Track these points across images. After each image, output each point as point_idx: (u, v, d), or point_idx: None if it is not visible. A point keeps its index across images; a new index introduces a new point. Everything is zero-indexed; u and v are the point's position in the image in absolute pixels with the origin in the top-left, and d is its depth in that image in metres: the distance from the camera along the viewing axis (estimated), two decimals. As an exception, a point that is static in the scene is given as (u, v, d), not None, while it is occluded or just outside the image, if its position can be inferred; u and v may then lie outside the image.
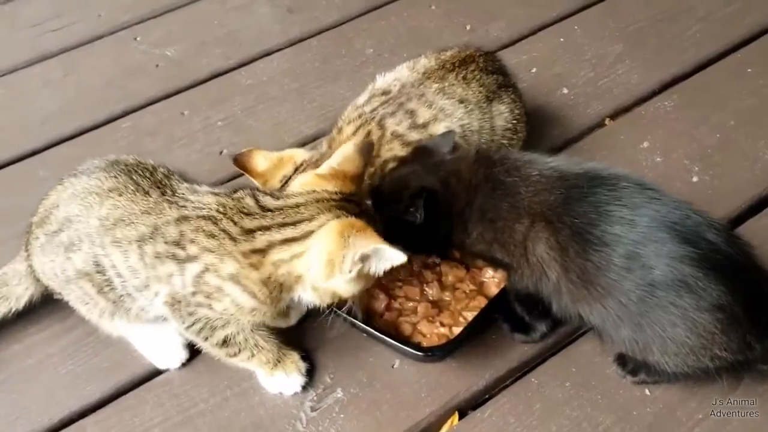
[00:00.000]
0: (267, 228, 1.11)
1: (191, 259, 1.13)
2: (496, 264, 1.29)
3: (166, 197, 1.17)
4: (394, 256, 1.07)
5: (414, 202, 1.21)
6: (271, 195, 1.17)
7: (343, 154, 1.20)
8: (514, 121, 1.51)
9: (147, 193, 1.17)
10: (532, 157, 1.24)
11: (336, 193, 1.15)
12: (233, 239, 1.11)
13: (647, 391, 1.25)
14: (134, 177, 1.19)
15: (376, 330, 1.28)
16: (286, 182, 1.34)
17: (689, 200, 1.19)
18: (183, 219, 1.14)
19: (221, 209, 1.14)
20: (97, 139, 1.84)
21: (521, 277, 1.22)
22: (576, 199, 1.14)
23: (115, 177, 1.19)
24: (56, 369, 1.35)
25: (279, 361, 1.25)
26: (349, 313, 1.26)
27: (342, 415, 1.25)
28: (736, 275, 1.08)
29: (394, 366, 1.31)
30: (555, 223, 1.14)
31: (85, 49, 2.14)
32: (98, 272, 1.18)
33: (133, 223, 1.15)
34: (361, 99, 1.46)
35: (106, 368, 1.34)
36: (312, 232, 1.10)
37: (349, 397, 1.28)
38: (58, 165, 1.76)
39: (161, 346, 1.32)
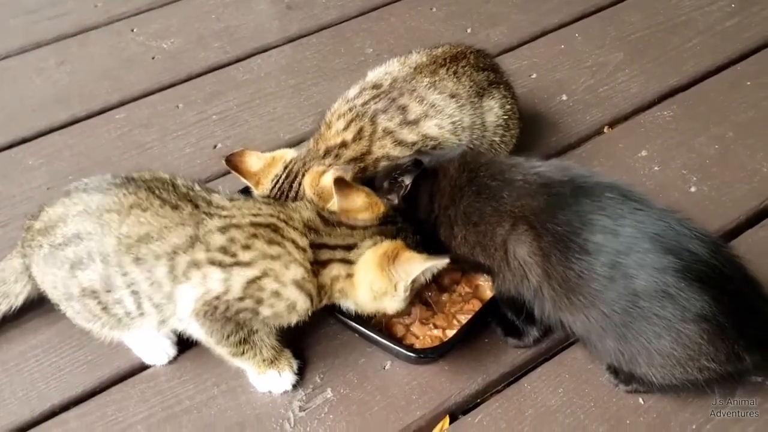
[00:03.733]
0: (329, 246, 1.17)
1: (243, 264, 1.12)
2: (479, 268, 1.29)
3: (203, 210, 1.16)
4: (438, 264, 1.16)
5: (404, 171, 1.23)
6: (328, 212, 1.22)
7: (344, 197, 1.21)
8: (506, 117, 1.50)
9: (176, 207, 1.15)
10: (518, 162, 1.24)
11: (372, 220, 1.20)
12: (301, 249, 1.14)
13: (641, 400, 1.23)
14: (156, 192, 1.17)
15: (368, 330, 1.26)
16: (277, 182, 1.33)
17: (686, 210, 1.18)
18: (231, 227, 1.14)
19: (283, 218, 1.16)
20: (90, 129, 1.82)
21: (503, 281, 1.21)
22: (559, 206, 1.13)
23: (135, 194, 1.16)
24: (39, 361, 1.32)
25: (274, 359, 1.24)
26: (341, 312, 1.25)
27: (331, 416, 1.23)
28: (721, 285, 1.07)
29: (386, 367, 1.29)
30: (538, 229, 1.13)
31: (80, 39, 2.12)
32: (107, 291, 1.15)
33: (163, 237, 1.12)
34: (352, 92, 1.44)
35: (90, 361, 1.32)
36: (359, 255, 1.17)
37: (339, 397, 1.25)
38: (48, 154, 1.75)
39: (151, 343, 1.30)
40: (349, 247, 1.17)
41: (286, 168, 1.34)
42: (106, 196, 1.16)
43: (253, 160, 1.36)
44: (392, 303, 1.19)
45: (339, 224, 1.19)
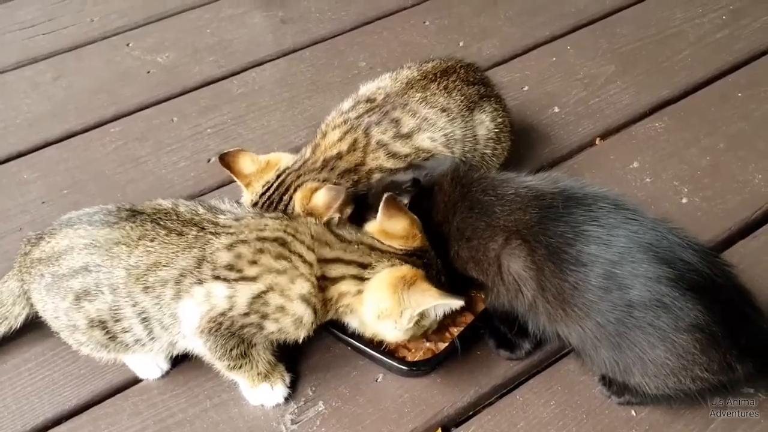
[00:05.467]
0: (343, 261, 1.16)
1: (249, 279, 1.12)
2: (472, 283, 1.28)
3: (208, 231, 1.16)
4: (452, 304, 1.14)
5: (403, 191, 1.23)
6: (347, 229, 1.21)
7: (385, 217, 1.20)
8: (497, 130, 1.50)
9: (181, 233, 1.16)
10: (509, 177, 1.25)
11: (400, 249, 1.18)
12: (308, 263, 1.13)
13: (633, 412, 1.23)
14: (161, 223, 1.17)
15: (360, 343, 1.26)
16: (268, 189, 1.34)
17: (678, 222, 1.18)
18: (239, 243, 1.14)
19: (290, 231, 1.16)
20: (85, 142, 1.83)
21: (497, 295, 1.21)
22: (552, 218, 1.13)
23: (141, 225, 1.17)
24: (31, 375, 1.32)
25: (268, 373, 1.24)
26: (335, 325, 1.25)
27: (323, 429, 1.23)
28: (714, 295, 1.07)
29: (378, 380, 1.29)
30: (531, 242, 1.13)
31: (76, 53, 2.14)
32: (116, 321, 1.15)
33: (171, 262, 1.13)
34: (346, 105, 1.46)
35: (83, 375, 1.32)
36: (374, 274, 1.15)
37: (331, 410, 1.25)
38: (43, 167, 1.76)
39: (144, 357, 1.29)
40: (365, 266, 1.16)
41: (279, 176, 1.35)
42: (113, 229, 1.17)
43: (247, 162, 1.37)
44: (393, 330, 1.17)
45: (359, 243, 1.18)
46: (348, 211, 1.33)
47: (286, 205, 1.32)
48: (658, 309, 1.05)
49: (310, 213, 1.26)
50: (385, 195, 1.19)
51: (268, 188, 1.34)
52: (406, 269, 1.14)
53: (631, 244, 1.08)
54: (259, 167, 1.36)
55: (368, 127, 1.39)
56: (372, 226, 1.22)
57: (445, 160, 1.36)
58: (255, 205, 1.34)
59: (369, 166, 1.37)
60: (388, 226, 1.19)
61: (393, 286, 1.13)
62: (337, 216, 1.25)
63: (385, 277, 1.14)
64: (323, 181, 1.32)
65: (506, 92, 1.65)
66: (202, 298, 1.12)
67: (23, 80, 2.04)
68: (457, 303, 1.13)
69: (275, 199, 1.33)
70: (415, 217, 1.21)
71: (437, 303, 1.12)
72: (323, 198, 1.26)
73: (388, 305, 1.13)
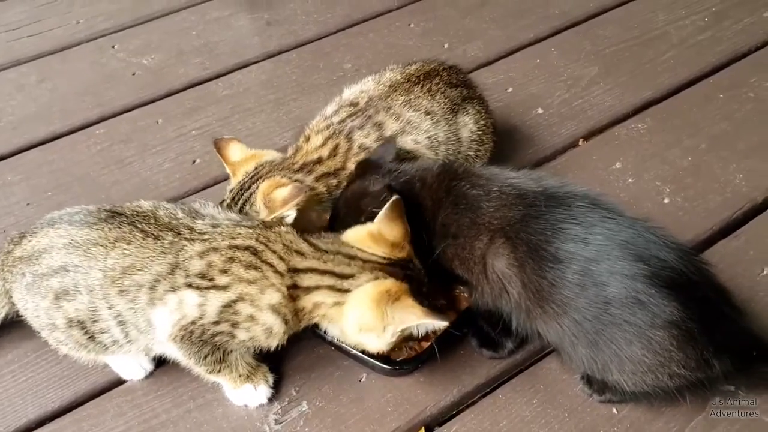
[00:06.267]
0: (317, 271, 1.14)
1: (220, 288, 1.11)
2: (457, 281, 1.29)
3: (183, 236, 1.15)
4: (436, 324, 1.12)
5: (383, 201, 1.20)
6: (323, 238, 1.20)
7: (384, 220, 1.19)
8: (480, 132, 1.51)
9: (158, 237, 1.15)
10: (494, 173, 1.25)
11: (383, 258, 1.17)
12: (279, 273, 1.13)
13: (614, 410, 1.24)
14: (139, 225, 1.17)
15: (344, 343, 1.26)
16: (245, 177, 1.37)
17: (660, 221, 1.19)
18: (210, 251, 1.13)
19: (262, 240, 1.15)
20: (70, 145, 1.83)
21: (481, 294, 1.22)
22: (533, 216, 1.14)
23: (119, 227, 1.16)
24: (14, 376, 1.32)
25: (250, 374, 1.24)
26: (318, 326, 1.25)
27: (306, 429, 1.23)
28: (690, 292, 1.08)
29: (361, 380, 1.30)
30: (514, 240, 1.14)
31: (61, 56, 2.14)
32: (94, 321, 1.15)
33: (146, 267, 1.12)
34: (330, 109, 1.47)
35: (67, 376, 1.31)
36: (356, 286, 1.13)
37: (315, 410, 1.26)
38: (28, 170, 1.76)
39: (128, 358, 1.29)
40: (344, 276, 1.14)
41: (256, 168, 1.38)
42: (92, 230, 1.16)
43: (236, 151, 1.42)
44: (374, 342, 1.15)
45: (336, 253, 1.16)
46: (325, 217, 1.36)
47: (252, 194, 1.33)
48: (633, 306, 1.06)
49: (266, 204, 1.28)
50: (394, 197, 1.18)
51: (245, 176, 1.37)
52: (390, 283, 1.13)
53: (607, 241, 1.09)
54: (243, 158, 1.40)
55: (351, 131, 1.39)
56: (352, 234, 1.20)
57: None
58: (231, 191, 1.38)
59: (349, 170, 1.38)
60: (385, 230, 1.18)
61: (376, 301, 1.11)
62: (292, 214, 1.27)
63: (368, 290, 1.13)
64: (295, 180, 1.34)
65: (490, 94, 1.66)
66: (174, 306, 1.12)
67: (8, 82, 2.04)
68: (441, 324, 1.12)
69: (245, 186, 1.35)
70: (409, 228, 1.20)
71: (421, 322, 1.11)
72: (283, 193, 1.28)
73: (371, 320, 1.11)
